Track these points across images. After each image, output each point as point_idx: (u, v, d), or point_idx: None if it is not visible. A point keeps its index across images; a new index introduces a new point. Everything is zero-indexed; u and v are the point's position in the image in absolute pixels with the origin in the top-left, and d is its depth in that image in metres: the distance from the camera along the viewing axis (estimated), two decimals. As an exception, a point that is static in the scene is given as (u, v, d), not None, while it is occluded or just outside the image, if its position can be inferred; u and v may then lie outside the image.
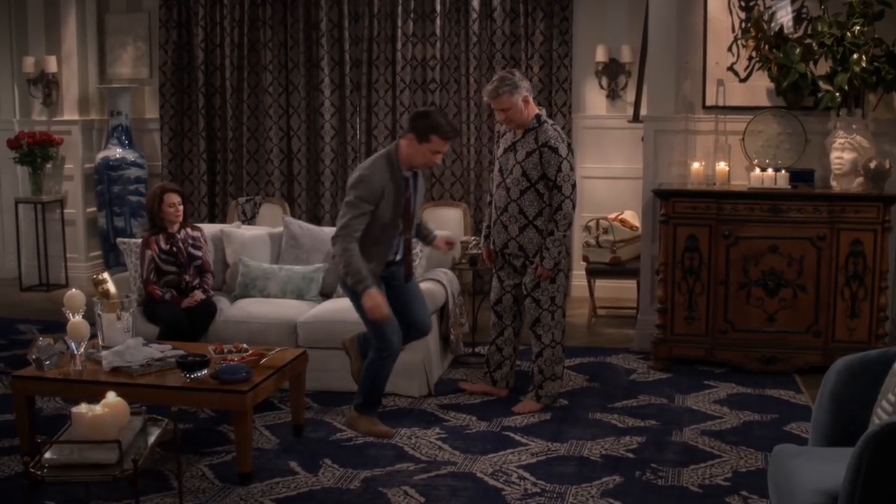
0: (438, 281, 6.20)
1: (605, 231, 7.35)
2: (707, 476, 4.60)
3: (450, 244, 5.58)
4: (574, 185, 5.34)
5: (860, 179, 6.12)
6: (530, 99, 5.38)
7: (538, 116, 5.38)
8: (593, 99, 8.38)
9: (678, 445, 5.01)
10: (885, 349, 3.79)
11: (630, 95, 8.15)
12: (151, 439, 3.65)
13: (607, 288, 8.02)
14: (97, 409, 3.44)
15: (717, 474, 4.62)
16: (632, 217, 7.55)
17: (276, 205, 7.87)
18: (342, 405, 5.55)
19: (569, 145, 5.40)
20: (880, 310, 6.05)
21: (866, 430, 3.02)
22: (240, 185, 8.95)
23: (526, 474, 4.60)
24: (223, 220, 8.65)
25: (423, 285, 5.73)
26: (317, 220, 8.65)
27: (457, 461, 4.77)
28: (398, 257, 5.15)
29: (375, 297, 4.81)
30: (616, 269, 7.41)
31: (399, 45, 8.49)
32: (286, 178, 8.89)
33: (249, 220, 7.65)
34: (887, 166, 6.06)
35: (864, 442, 2.90)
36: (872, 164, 6.04)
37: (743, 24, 6.45)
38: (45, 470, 3.40)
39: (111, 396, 3.53)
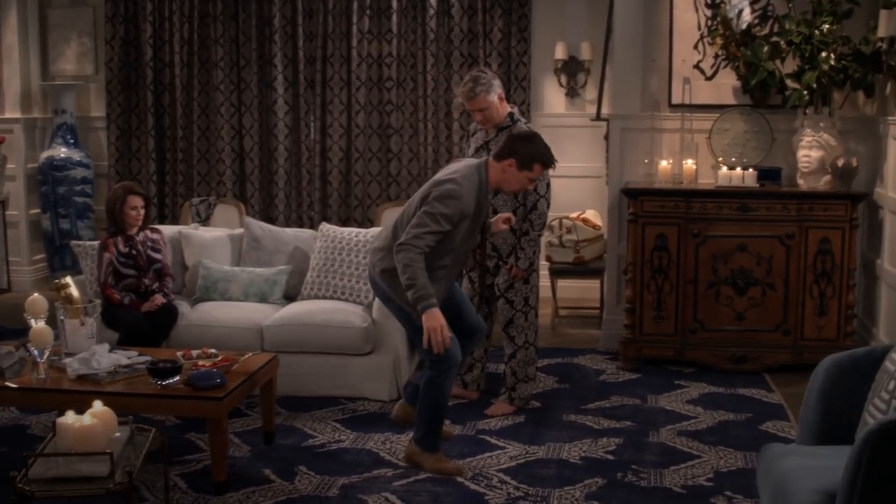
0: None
1: (569, 230, 7.28)
2: (689, 477, 4.56)
3: (507, 220, 5.00)
4: (549, 185, 5.26)
5: (827, 178, 6.14)
6: (504, 97, 5.30)
7: (511, 115, 5.31)
8: (552, 97, 8.31)
9: (656, 446, 4.96)
10: (871, 347, 3.79)
11: (589, 93, 8.12)
12: (140, 450, 3.47)
13: (569, 288, 7.95)
14: (85, 419, 3.25)
15: (698, 475, 4.58)
16: (594, 216, 7.50)
17: (232, 205, 7.67)
18: (311, 410, 5.42)
19: (543, 144, 5.31)
20: (848, 307, 6.07)
21: (864, 428, 2.99)
22: (190, 186, 8.72)
23: (507, 478, 4.51)
24: (174, 222, 8.41)
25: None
26: (271, 220, 8.44)
27: (436, 466, 4.66)
28: None
29: (439, 318, 4.31)
30: (580, 269, 7.35)
31: (354, 42, 8.34)
32: (238, 177, 8.68)
33: (204, 221, 7.43)
34: (854, 164, 6.10)
35: (864, 439, 2.86)
36: (840, 163, 6.07)
37: (709, 22, 6.43)
38: (33, 485, 3.20)
39: (98, 405, 3.34)
